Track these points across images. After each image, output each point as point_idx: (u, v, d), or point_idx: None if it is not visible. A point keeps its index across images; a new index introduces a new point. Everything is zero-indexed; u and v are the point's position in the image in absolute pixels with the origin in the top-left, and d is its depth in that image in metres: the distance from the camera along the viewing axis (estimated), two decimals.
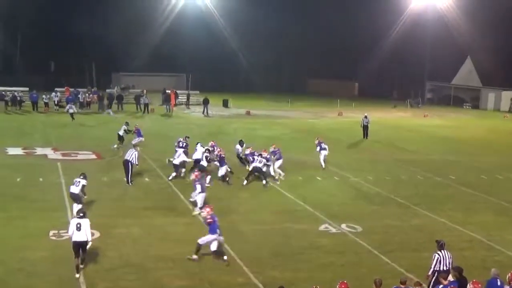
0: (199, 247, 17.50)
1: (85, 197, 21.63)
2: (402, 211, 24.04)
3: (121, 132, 35.20)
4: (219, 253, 17.71)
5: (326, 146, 32.20)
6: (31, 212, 21.64)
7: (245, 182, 27.28)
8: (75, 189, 21.08)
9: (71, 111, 48.23)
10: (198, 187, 22.67)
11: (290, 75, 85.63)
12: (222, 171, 27.63)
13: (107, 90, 62.46)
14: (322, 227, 21.35)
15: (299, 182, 28.65)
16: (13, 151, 33.45)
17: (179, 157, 28.00)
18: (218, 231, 17.73)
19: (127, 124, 36.22)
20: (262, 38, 79.19)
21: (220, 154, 28.05)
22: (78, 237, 16.37)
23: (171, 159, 28.34)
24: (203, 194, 22.59)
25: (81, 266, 16.47)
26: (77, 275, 16.07)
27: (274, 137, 42.57)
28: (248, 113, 57.47)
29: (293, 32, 79.98)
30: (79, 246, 16.36)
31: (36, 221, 20.66)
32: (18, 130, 41.61)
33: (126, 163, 26.26)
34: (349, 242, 19.93)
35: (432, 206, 24.70)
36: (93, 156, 32.19)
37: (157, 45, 75.88)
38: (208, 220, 17.78)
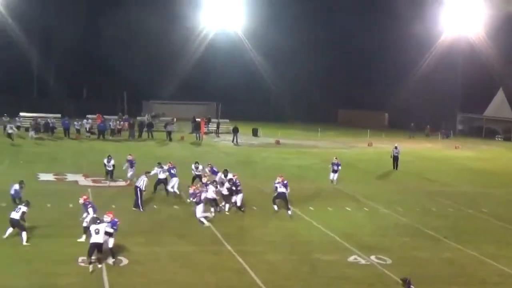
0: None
1: (25, 223, 21.42)
2: (432, 243, 23.73)
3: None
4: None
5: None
6: (61, 238, 21.73)
7: (275, 207, 27.42)
8: (15, 215, 21.21)
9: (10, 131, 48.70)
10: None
11: (320, 105, 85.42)
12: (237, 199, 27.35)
13: (138, 118, 63.04)
14: (351, 258, 21.15)
15: (329, 212, 28.48)
16: (44, 177, 33.82)
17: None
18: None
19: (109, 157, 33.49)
20: (292, 68, 79.29)
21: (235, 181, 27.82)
22: (96, 239, 18.81)
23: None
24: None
25: (100, 265, 18.61)
26: (90, 268, 18.38)
27: (304, 167, 42.60)
28: (277, 142, 57.44)
29: (323, 61, 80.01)
30: (96, 247, 18.77)
31: (65, 247, 20.75)
32: (49, 156, 42.07)
33: (135, 189, 26.86)
34: (378, 274, 19.70)
35: (463, 238, 24.34)
36: (123, 183, 32.33)
37: (188, 73, 76.42)
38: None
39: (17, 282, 17.44)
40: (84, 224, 21.33)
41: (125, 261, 19.49)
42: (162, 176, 29.85)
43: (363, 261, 20.91)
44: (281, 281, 18.53)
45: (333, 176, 35.58)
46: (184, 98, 75.38)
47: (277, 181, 27.80)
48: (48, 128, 54.41)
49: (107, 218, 19.72)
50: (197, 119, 59.62)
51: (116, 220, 19.82)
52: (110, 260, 19.29)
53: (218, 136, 61.86)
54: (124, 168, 32.72)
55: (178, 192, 29.54)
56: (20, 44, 72.44)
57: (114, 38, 75.71)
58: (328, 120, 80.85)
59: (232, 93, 77.69)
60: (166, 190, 29.65)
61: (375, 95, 79.49)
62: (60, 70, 78.58)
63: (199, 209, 24.68)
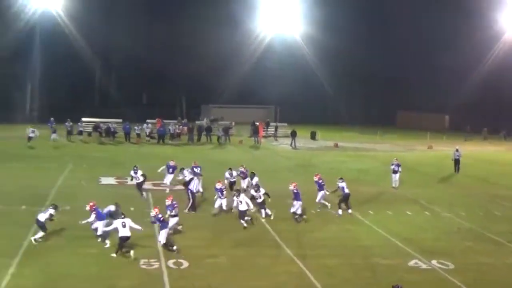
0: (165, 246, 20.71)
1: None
2: (496, 248, 23.17)
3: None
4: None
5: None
6: (151, 242, 21.87)
7: (340, 211, 27.39)
8: (42, 216, 21.66)
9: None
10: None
11: (379, 107, 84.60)
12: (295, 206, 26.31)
13: (197, 122, 63.62)
14: (411, 263, 20.84)
15: (389, 216, 28.12)
16: (106, 180, 34.45)
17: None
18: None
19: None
20: (350, 70, 78.88)
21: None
22: (124, 233, 20.11)
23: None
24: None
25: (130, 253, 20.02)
26: (114, 255, 20.03)
27: (363, 170, 42.21)
28: (336, 145, 57.08)
29: (382, 63, 79.22)
30: (125, 240, 20.15)
31: (151, 248, 21.12)
32: (111, 160, 42.86)
33: (187, 191, 27.52)
34: (440, 279, 19.35)
35: None
36: (183, 187, 32.52)
37: (246, 77, 76.83)
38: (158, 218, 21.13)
39: (81, 285, 17.79)
40: (99, 233, 21.69)
41: (185, 264, 19.67)
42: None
43: (424, 266, 20.57)
44: (340, 285, 18.39)
45: (395, 177, 35.28)
46: (243, 102, 75.79)
47: (315, 179, 28.47)
48: (110, 133, 55.45)
49: (168, 201, 22.76)
50: (256, 123, 59.78)
51: (160, 216, 21.26)
52: (171, 262, 19.55)
53: (277, 140, 61.88)
54: (159, 170, 32.58)
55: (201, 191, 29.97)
56: (83, 53, 74.28)
57: (171, 44, 76.87)
58: (386, 123, 79.85)
59: (290, 97, 77.68)
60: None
61: (435, 97, 78.17)
62: (120, 77, 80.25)
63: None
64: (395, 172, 35.35)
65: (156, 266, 19.46)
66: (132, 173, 30.31)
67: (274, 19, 75.96)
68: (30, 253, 20.22)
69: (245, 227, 24.25)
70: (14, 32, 69.71)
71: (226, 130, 57.92)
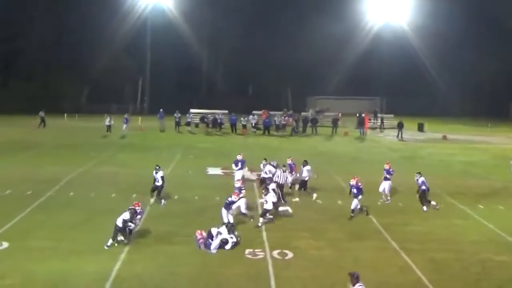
0: None
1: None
2: None
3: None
4: None
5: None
6: (255, 232, 22.29)
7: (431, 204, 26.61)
8: (119, 222, 20.46)
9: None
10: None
11: (490, 98, 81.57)
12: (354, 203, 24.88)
13: (302, 113, 63.72)
14: None
15: (501, 211, 27.11)
16: (212, 171, 35.11)
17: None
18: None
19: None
20: (460, 61, 76.50)
21: None
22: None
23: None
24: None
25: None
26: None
27: (473, 163, 40.97)
28: (444, 137, 55.60)
29: (493, 53, 76.34)
30: None
31: (256, 238, 21.49)
32: (217, 151, 43.65)
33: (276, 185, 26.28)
34: None
35: None
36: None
37: (352, 68, 76.27)
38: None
39: (188, 272, 18.25)
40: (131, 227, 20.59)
41: (290, 254, 19.79)
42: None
43: None
44: (448, 281, 17.93)
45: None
46: (349, 93, 75.22)
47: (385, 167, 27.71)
48: (216, 124, 56.46)
49: (237, 184, 23.89)
50: (362, 114, 59.16)
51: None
52: (275, 253, 19.75)
53: (383, 131, 61.01)
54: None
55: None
56: (191, 46, 76.09)
57: (277, 36, 77.27)
58: (498, 115, 76.90)
59: (397, 88, 76.43)
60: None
61: None
62: (227, 69, 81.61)
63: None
64: None
65: (261, 256, 19.68)
66: (154, 173, 26.53)
67: (382, 8, 74.89)
68: (140, 241, 20.90)
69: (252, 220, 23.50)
70: (126, 27, 72.41)
71: (335, 122, 57.66)
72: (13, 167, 34.52)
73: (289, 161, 29.61)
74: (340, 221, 24.35)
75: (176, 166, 36.21)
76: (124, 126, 51.40)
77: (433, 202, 26.64)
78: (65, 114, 63.58)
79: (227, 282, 17.02)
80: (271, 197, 23.62)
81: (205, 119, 57.12)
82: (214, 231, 20.32)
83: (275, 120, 58.00)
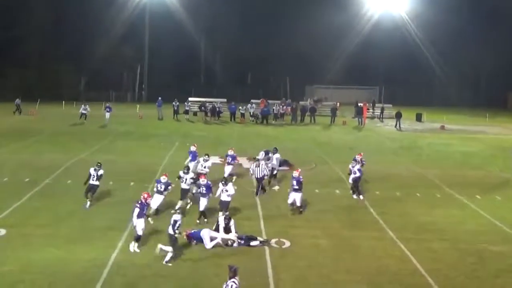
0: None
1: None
2: None
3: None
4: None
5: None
6: (253, 221, 22.28)
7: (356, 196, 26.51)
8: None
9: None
10: None
11: (489, 89, 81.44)
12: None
13: (301, 103, 63.62)
14: None
15: (497, 201, 27.14)
16: (211, 159, 34.94)
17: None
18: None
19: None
20: (459, 51, 76.39)
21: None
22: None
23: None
24: None
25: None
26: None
27: (470, 153, 40.98)
28: (442, 127, 55.61)
29: (492, 43, 76.14)
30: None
31: (253, 227, 21.54)
32: (216, 140, 43.55)
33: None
34: None
35: None
36: (286, 168, 32.53)
37: (350, 58, 76.14)
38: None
39: (183, 256, 18.29)
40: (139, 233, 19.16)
41: (287, 243, 19.83)
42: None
43: None
44: (445, 270, 17.97)
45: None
46: (347, 82, 75.14)
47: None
48: (215, 112, 56.38)
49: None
50: (359, 104, 59.11)
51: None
52: (273, 241, 19.79)
53: (382, 121, 60.94)
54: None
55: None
56: (190, 35, 75.86)
57: (276, 24, 77.07)
58: (496, 105, 76.82)
59: (396, 77, 76.33)
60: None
61: None
62: (225, 58, 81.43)
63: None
64: None
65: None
66: (92, 171, 23.95)
67: None
68: None
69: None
70: (125, 14, 72.20)
71: (334, 111, 57.63)
72: (11, 154, 34.50)
73: (230, 152, 29.18)
74: (337, 210, 24.40)
75: (175, 154, 36.16)
76: (107, 115, 51.07)
77: (361, 197, 26.38)
78: (63, 102, 63.44)
79: (225, 270, 16.91)
80: (231, 187, 22.53)
81: (204, 108, 57.02)
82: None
83: (273, 109, 57.91)
